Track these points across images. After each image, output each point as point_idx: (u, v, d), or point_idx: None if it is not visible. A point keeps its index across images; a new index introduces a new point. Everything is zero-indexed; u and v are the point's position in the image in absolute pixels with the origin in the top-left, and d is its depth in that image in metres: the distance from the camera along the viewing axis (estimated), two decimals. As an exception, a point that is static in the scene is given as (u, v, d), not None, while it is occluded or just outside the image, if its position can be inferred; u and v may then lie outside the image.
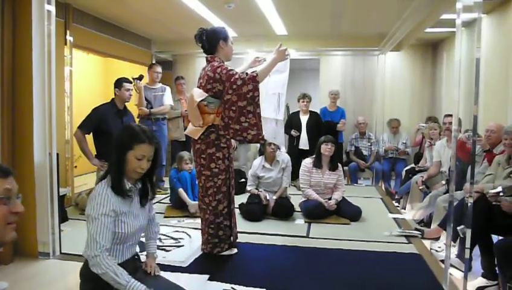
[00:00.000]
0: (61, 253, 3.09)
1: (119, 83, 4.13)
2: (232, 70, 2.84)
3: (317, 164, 4.24)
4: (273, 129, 3.43)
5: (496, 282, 2.64)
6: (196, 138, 2.96)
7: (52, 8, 3.00)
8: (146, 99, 5.09)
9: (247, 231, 3.62)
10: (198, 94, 2.91)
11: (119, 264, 1.78)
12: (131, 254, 1.95)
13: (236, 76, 2.78)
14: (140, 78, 4.97)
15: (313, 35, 6.28)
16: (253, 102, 2.79)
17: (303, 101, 5.76)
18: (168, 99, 5.31)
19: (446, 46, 6.06)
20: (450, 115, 4.35)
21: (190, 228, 3.71)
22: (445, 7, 3.87)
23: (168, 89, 5.38)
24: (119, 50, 5.77)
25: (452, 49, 5.65)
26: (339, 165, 4.36)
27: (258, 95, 2.81)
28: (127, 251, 1.91)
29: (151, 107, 5.13)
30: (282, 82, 3.29)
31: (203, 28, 3.02)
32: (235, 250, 3.14)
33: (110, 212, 1.74)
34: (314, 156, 4.32)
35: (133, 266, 1.94)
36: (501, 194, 2.65)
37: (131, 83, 4.25)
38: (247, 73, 2.82)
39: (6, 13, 2.89)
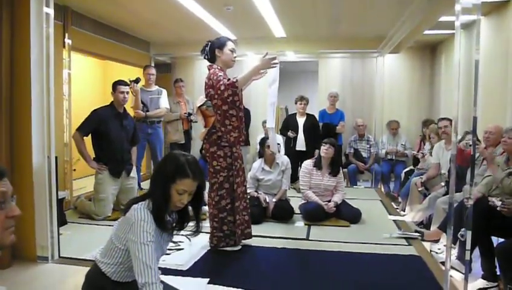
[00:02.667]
0: (60, 257, 3.07)
1: (114, 86, 4.17)
2: (220, 76, 3.00)
3: (318, 164, 4.27)
4: (272, 138, 3.69)
5: (496, 284, 2.64)
6: (202, 139, 3.25)
7: (50, 11, 2.99)
8: (142, 102, 5.08)
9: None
10: (199, 100, 3.20)
11: (124, 283, 1.76)
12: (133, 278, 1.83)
13: (221, 82, 2.95)
14: (137, 80, 4.96)
15: (312, 38, 6.30)
16: (235, 106, 3.00)
17: (300, 104, 5.78)
18: (164, 102, 5.27)
19: (444, 48, 6.07)
20: (445, 119, 4.36)
21: (190, 231, 3.69)
22: (444, 9, 3.88)
23: (164, 92, 5.35)
24: (118, 53, 5.77)
25: (450, 51, 5.66)
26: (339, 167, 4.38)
27: (239, 100, 3.01)
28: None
29: (147, 110, 5.11)
30: (275, 91, 3.44)
31: (209, 40, 3.18)
32: (239, 246, 3.23)
33: (152, 237, 1.67)
34: (315, 156, 4.33)
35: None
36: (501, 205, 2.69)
37: (127, 85, 4.25)
38: (229, 78, 2.99)
39: (4, 16, 2.88)
